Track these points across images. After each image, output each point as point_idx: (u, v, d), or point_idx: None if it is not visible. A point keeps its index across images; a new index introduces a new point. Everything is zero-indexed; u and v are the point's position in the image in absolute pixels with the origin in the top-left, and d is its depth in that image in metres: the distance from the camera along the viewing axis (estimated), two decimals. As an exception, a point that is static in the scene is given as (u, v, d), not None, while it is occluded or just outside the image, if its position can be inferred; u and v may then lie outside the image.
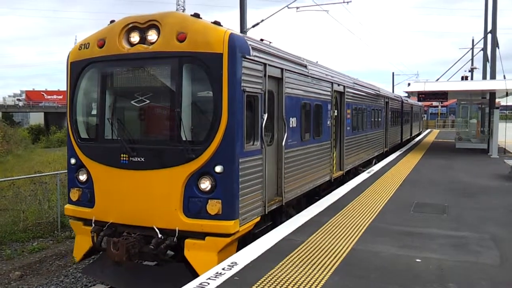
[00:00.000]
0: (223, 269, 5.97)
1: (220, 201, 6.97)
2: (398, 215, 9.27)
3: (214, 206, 6.95)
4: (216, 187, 7.02)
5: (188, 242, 7.05)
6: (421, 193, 11.73)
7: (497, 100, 25.25)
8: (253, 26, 18.85)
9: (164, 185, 7.19)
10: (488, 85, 22.96)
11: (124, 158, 7.49)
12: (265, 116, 8.03)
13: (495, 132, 21.37)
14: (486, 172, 16.18)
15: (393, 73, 68.04)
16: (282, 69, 8.93)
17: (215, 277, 5.68)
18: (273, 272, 5.90)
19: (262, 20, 19.05)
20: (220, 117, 7.02)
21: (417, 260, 6.51)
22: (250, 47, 7.54)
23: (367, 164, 18.72)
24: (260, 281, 5.59)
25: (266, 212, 8.17)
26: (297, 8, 20.92)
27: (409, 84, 23.58)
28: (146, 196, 7.29)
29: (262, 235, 7.81)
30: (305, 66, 10.56)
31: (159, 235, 7.09)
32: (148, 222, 7.23)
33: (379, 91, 21.39)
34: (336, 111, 13.30)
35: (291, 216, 9.23)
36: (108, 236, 7.47)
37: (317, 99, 11.24)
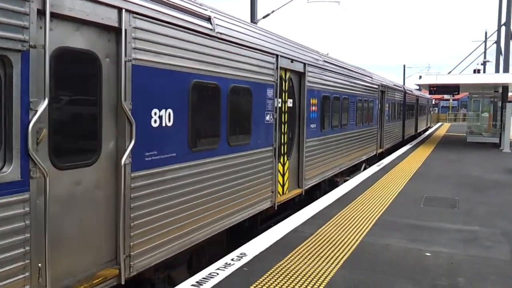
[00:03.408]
0: (232, 259, 5.99)
1: None
2: (408, 209, 9.22)
3: None
4: None
5: None
6: (432, 187, 11.66)
7: (510, 93, 24.95)
8: (264, 17, 18.73)
9: None
10: (500, 78, 22.67)
11: None
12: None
13: (507, 126, 21.15)
14: (498, 166, 16.02)
15: (404, 65, 67.80)
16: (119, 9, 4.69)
17: (224, 267, 5.71)
18: (282, 264, 5.92)
19: (273, 11, 18.92)
20: None
21: (427, 254, 6.48)
22: None
23: (354, 170, 15.45)
24: (268, 272, 5.60)
25: None
26: (308, -1, 20.72)
27: (420, 77, 23.35)
28: None
29: None
30: (199, 16, 6.21)
31: None
32: None
33: (371, 77, 17.35)
34: (289, 100, 9.63)
35: None
36: None
37: (236, 80, 7.15)
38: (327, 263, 6.00)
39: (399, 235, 7.38)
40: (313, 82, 10.77)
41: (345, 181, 13.12)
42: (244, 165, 7.52)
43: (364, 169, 16.06)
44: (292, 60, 9.43)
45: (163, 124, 5.42)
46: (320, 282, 5.35)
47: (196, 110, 6.13)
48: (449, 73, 30.08)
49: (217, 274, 5.50)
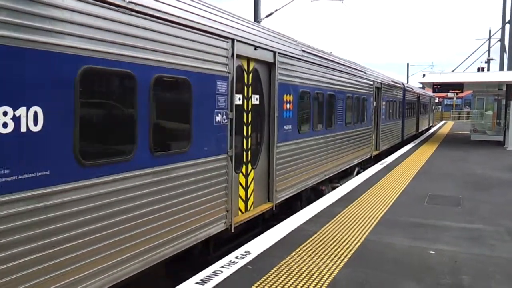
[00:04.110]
0: (236, 257, 6.01)
1: None
2: (412, 207, 9.21)
3: None
4: None
5: None
6: (435, 185, 11.64)
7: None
8: (267, 16, 18.73)
9: None
10: (504, 76, 22.59)
11: None
12: None
13: (511, 124, 21.06)
14: (502, 164, 15.97)
15: (407, 63, 67.71)
16: None
17: (228, 265, 5.73)
18: (286, 262, 5.93)
19: (276, 10, 18.93)
20: None
21: (431, 252, 6.48)
22: None
23: (346, 175, 14.03)
24: (272, 270, 5.62)
25: None
26: (311, -3, 20.69)
27: (424, 75, 23.33)
28: None
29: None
30: None
31: None
32: None
33: (364, 72, 15.79)
34: (255, 96, 8.02)
35: None
36: None
37: (164, 68, 5.44)
38: (331, 261, 6.01)
39: (402, 233, 7.38)
40: (288, 75, 9.06)
41: (333, 188, 11.76)
42: (179, 180, 5.74)
43: (358, 173, 14.48)
44: (256, 47, 7.74)
45: (23, 129, 3.76)
46: (324, 280, 5.36)
47: (91, 108, 4.57)
48: (453, 71, 30.05)
49: (221, 272, 5.52)
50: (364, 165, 16.24)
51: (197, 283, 5.17)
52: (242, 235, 8.01)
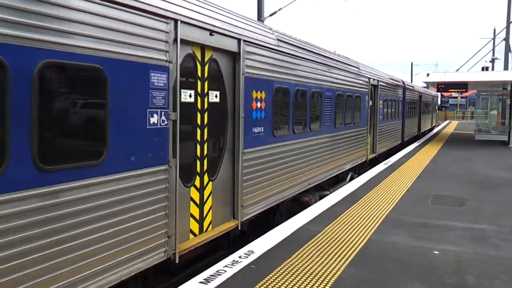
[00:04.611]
0: (239, 257, 6.00)
1: None
2: (416, 207, 9.18)
3: None
4: None
5: None
6: (439, 185, 11.59)
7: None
8: (271, 15, 18.70)
9: None
10: (509, 75, 22.49)
11: None
12: None
13: (516, 124, 20.98)
14: (506, 164, 15.90)
15: (411, 63, 67.55)
16: None
17: (232, 264, 5.72)
18: (290, 261, 5.92)
19: (280, 9, 18.89)
20: None
21: (435, 252, 6.45)
22: None
23: (338, 182, 12.93)
24: (276, 270, 5.61)
25: None
26: (315, -4, 20.64)
27: (428, 75, 23.19)
28: None
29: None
30: None
31: None
32: None
33: (357, 68, 14.35)
34: (213, 93, 6.67)
35: None
36: None
37: (60, 52, 4.08)
38: (334, 261, 5.99)
39: (406, 233, 7.35)
40: (258, 68, 7.62)
41: (322, 197, 10.48)
42: (88, 202, 4.35)
43: (351, 179, 13.34)
44: (211, 32, 6.33)
45: None
46: (327, 280, 5.35)
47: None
48: (457, 70, 29.90)
49: (225, 271, 5.51)
50: (359, 170, 15.03)
51: (200, 282, 5.17)
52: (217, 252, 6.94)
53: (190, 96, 6.13)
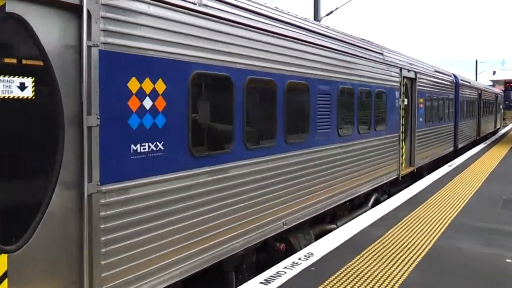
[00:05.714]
0: (299, 259, 5.95)
1: None
2: (484, 211, 8.70)
3: None
4: None
5: None
6: (510, 189, 10.93)
7: None
8: (327, 15, 18.48)
9: None
10: None
11: None
12: None
13: None
14: None
15: (476, 60, 63.54)
16: None
17: (292, 266, 5.68)
18: (351, 265, 5.79)
19: (337, 8, 18.62)
20: None
21: (507, 260, 6.07)
22: None
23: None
24: (337, 273, 5.50)
25: None
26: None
27: (494, 73, 22.01)
28: None
29: None
30: None
31: None
32: None
33: (381, 54, 10.70)
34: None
35: None
36: None
37: None
38: (398, 265, 5.79)
39: (475, 239, 6.98)
40: (139, 36, 4.30)
41: (323, 233, 7.79)
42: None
43: (377, 202, 10.11)
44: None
45: None
46: (392, 285, 5.17)
47: None
48: (527, 67, 28.12)
49: (285, 272, 5.48)
50: (388, 189, 11.49)
51: (261, 282, 5.17)
52: None
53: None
